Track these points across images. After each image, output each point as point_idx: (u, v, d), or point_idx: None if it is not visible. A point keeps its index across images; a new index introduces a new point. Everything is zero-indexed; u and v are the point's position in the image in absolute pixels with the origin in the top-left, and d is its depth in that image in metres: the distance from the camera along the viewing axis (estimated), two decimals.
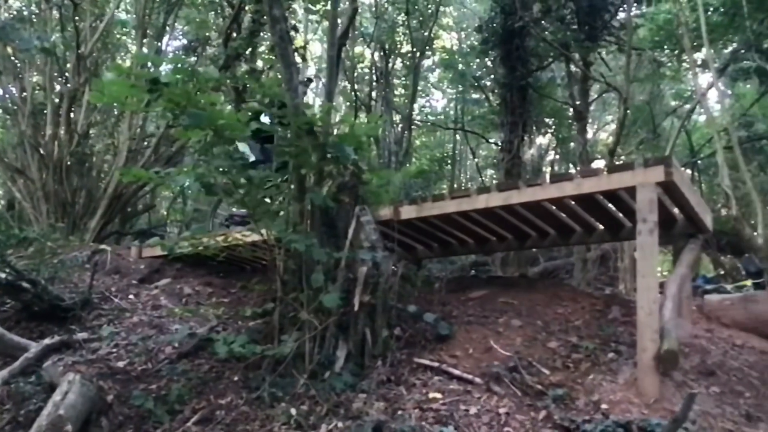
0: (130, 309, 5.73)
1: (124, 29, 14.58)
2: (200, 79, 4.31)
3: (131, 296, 6.14)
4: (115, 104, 5.60)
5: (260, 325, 4.84)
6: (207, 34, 14.52)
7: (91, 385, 3.89)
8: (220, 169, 4.50)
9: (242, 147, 6.96)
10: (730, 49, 13.71)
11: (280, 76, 5.24)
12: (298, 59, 11.43)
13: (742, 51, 12.50)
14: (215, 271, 7.28)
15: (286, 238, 4.30)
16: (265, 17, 8.79)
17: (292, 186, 4.75)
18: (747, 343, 5.13)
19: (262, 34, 11.84)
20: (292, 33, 11.73)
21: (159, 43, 12.89)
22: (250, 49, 11.87)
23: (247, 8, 11.88)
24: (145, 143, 11.94)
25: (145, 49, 11.57)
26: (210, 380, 4.28)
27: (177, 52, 15.02)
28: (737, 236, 10.49)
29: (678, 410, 3.25)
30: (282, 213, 4.96)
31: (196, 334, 4.96)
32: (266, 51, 12.40)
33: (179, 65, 4.41)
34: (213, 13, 14.74)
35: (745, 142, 13.65)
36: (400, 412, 3.72)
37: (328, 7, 6.81)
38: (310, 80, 8.51)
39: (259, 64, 12.57)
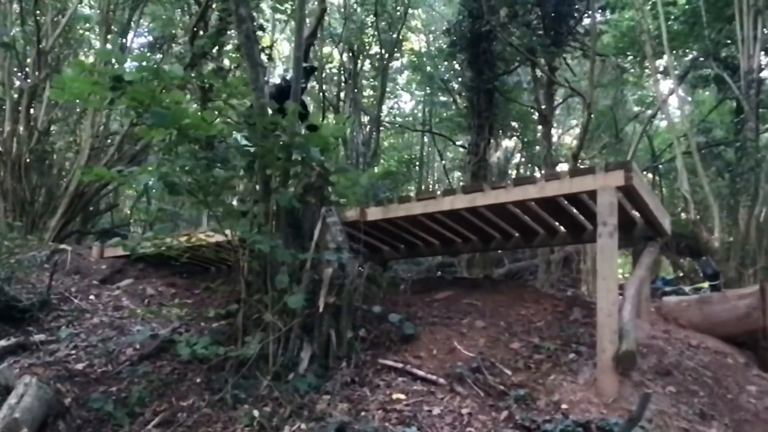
0: (91, 310, 5.62)
1: (87, 25, 14.30)
2: (165, 77, 4.25)
3: (92, 297, 6.03)
4: (77, 101, 5.51)
5: (224, 326, 4.80)
6: (173, 31, 14.35)
7: (48, 387, 3.82)
8: (186, 168, 4.45)
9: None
10: (690, 57, 14.08)
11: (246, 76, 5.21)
12: (264, 59, 11.38)
13: (702, 59, 12.85)
14: (179, 271, 7.19)
15: (250, 239, 4.27)
16: (232, 16, 8.72)
17: (258, 186, 4.72)
18: (702, 344, 5.26)
19: (229, 32, 11.73)
20: (259, 32, 11.64)
21: (123, 40, 12.68)
22: (216, 48, 11.74)
23: (214, 6, 11.76)
24: (109, 141, 11.74)
25: (108, 46, 11.37)
26: (172, 382, 4.23)
27: (142, 50, 14.79)
28: (695, 239, 10.76)
29: (634, 410, 3.33)
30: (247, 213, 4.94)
31: (158, 335, 4.90)
32: (233, 50, 12.27)
33: (143, 63, 4.36)
34: (179, 10, 14.56)
35: (704, 148, 14.02)
36: (363, 413, 3.73)
37: (296, 7, 6.80)
38: (314, 68, 8.35)
39: (226, 63, 12.43)
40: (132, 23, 12.81)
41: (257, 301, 4.42)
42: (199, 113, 4.65)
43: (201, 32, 11.66)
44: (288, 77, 6.94)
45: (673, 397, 4.12)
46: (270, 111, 6.51)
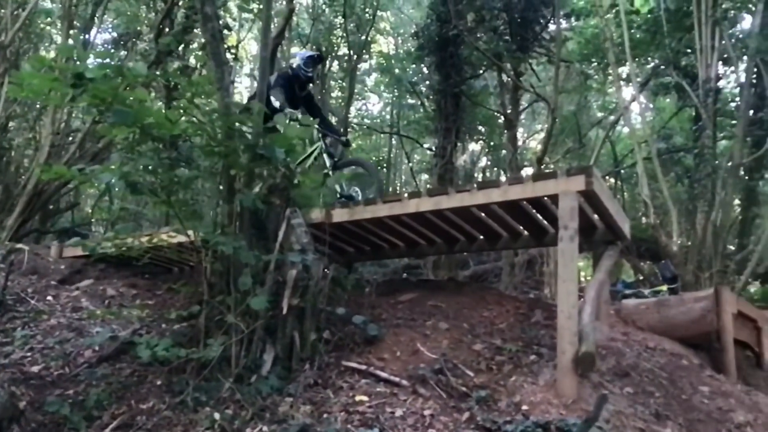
0: (48, 311, 5.49)
1: (49, 19, 13.98)
2: (128, 75, 4.18)
3: (49, 298, 5.90)
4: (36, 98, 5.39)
5: (186, 328, 4.75)
6: (138, 28, 14.12)
7: (2, 390, 3.72)
8: (148, 168, 4.39)
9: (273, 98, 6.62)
10: (651, 65, 14.41)
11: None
12: (230, 58, 11.28)
13: (663, 67, 13.18)
14: (141, 272, 7.07)
15: (213, 240, 4.24)
16: (198, 14, 8.64)
17: (221, 187, 4.68)
18: (659, 346, 5.40)
19: (195, 30, 11.61)
20: (225, 31, 11.54)
21: (86, 36, 12.43)
22: (182, 46, 11.60)
23: (180, 3, 11.63)
24: (70, 138, 11.50)
25: (70, 41, 11.13)
26: (131, 385, 4.16)
27: (106, 46, 14.53)
28: (655, 243, 11.03)
29: (591, 410, 3.39)
30: (213, 214, 4.90)
31: (118, 337, 4.81)
32: (198, 48, 12.14)
33: (105, 60, 4.28)
34: (145, 6, 14.34)
35: (664, 154, 14.38)
36: (326, 415, 3.73)
37: (263, 6, 6.69)
38: (322, 57, 8.09)
39: (192, 61, 12.30)
40: (95, 19, 12.53)
41: (220, 303, 4.37)
42: (164, 112, 4.59)
43: (167, 29, 11.51)
44: (294, 65, 6.84)
45: (631, 398, 4.21)
46: (278, 103, 6.33)
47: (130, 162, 4.38)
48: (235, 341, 4.21)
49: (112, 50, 13.81)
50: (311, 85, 7.25)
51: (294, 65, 6.89)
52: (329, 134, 6.73)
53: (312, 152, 6.52)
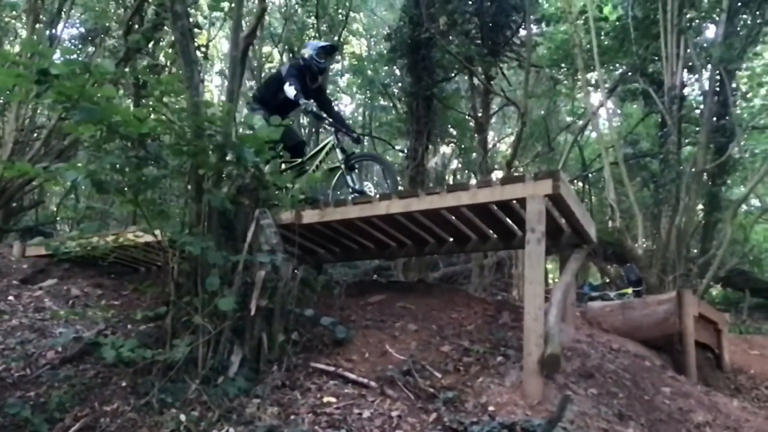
0: (9, 311, 5.38)
1: (14, 12, 13.67)
2: (95, 72, 4.12)
3: (11, 298, 5.78)
4: None
5: (152, 329, 4.70)
6: (107, 24, 13.87)
7: None
8: (116, 166, 4.33)
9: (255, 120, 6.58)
10: (619, 71, 14.67)
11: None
12: (200, 57, 11.16)
13: (630, 74, 13.41)
14: (106, 272, 6.97)
15: (180, 240, 4.19)
16: (167, 11, 8.53)
17: (189, 186, 4.64)
18: (623, 347, 5.50)
19: (165, 28, 11.46)
20: (195, 30, 11.42)
21: (53, 31, 12.17)
22: (152, 44, 11.44)
23: (150, 0, 11.47)
24: (35, 135, 11.26)
25: (36, 36, 10.90)
26: (95, 386, 4.10)
27: (73, 41, 14.26)
28: (621, 246, 11.22)
29: (554, 411, 3.45)
30: (179, 214, 4.84)
31: (82, 337, 4.74)
32: (168, 46, 11.99)
33: (72, 56, 4.21)
34: (114, 2, 14.10)
35: (631, 159, 14.64)
36: (293, 417, 3.72)
37: (234, 5, 6.59)
38: (335, 48, 7.55)
39: (162, 59, 12.14)
40: (62, 13, 12.29)
41: (187, 304, 4.33)
42: (132, 110, 4.53)
43: (136, 26, 11.34)
44: (306, 56, 6.60)
45: (595, 399, 4.29)
46: (294, 93, 6.15)
47: (97, 160, 4.31)
48: (202, 342, 4.18)
49: (80, 46, 13.55)
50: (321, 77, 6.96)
51: (306, 56, 6.67)
52: (340, 129, 6.53)
53: (323, 147, 6.42)
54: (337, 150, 6.32)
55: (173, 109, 4.69)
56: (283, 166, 6.64)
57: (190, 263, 4.41)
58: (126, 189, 4.42)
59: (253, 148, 4.47)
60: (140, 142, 4.96)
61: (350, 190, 6.13)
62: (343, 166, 6.24)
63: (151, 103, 4.76)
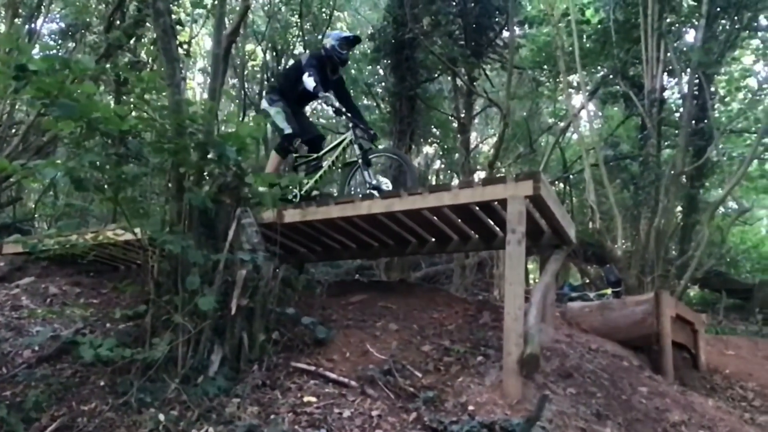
0: None
1: None
2: (74, 68, 4.08)
3: None
4: None
5: (131, 328, 4.66)
6: (87, 19, 13.71)
7: None
8: (96, 164, 4.29)
9: (273, 111, 6.20)
10: (600, 74, 14.81)
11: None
12: (182, 54, 11.07)
13: (611, 76, 13.56)
14: (85, 270, 6.90)
15: (160, 239, 4.17)
16: (149, 8, 8.43)
17: (170, 184, 4.61)
18: (601, 348, 5.56)
19: (147, 24, 11.36)
20: (178, 27, 11.32)
21: (32, 25, 12.02)
22: (133, 40, 11.32)
23: None
24: (13, 131, 11.10)
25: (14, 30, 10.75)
26: (72, 386, 4.06)
27: (53, 36, 14.07)
28: (601, 247, 11.33)
29: (532, 410, 3.48)
30: (159, 212, 4.81)
31: (59, 336, 4.68)
32: (150, 43, 11.87)
33: (50, 52, 4.17)
34: None
35: (611, 161, 14.78)
36: (273, 416, 3.71)
37: (216, 3, 6.51)
38: (358, 39, 6.99)
39: (143, 56, 12.02)
40: (42, 7, 12.14)
41: (167, 302, 4.30)
42: (112, 107, 4.49)
43: (118, 22, 11.22)
44: (328, 46, 6.39)
45: (573, 398, 4.33)
46: (313, 84, 5.95)
47: (76, 157, 4.26)
48: (182, 341, 4.15)
49: (60, 41, 13.39)
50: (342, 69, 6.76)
51: (327, 46, 6.45)
52: (358, 125, 6.25)
53: (341, 142, 6.28)
54: (355, 145, 6.14)
55: (154, 106, 4.66)
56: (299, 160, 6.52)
57: (170, 262, 4.38)
58: (106, 186, 4.38)
59: (235, 146, 4.46)
60: (121, 139, 4.92)
61: (367, 185, 5.95)
62: (360, 161, 6.08)
63: (132, 100, 4.72)
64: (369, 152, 6.20)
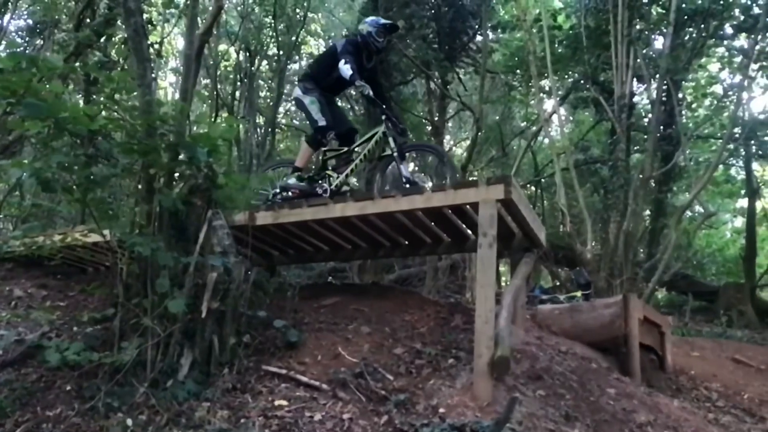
0: None
1: None
2: (42, 66, 4.01)
3: None
4: None
5: (99, 331, 4.58)
6: (56, 16, 13.46)
7: None
8: (63, 164, 4.21)
9: (308, 101, 5.97)
10: (571, 79, 15.02)
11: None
12: (154, 54, 10.94)
13: (582, 82, 13.75)
14: (52, 272, 6.76)
15: (130, 241, 4.11)
16: (120, 7, 8.30)
17: (140, 186, 4.55)
18: (571, 350, 5.63)
19: (118, 23, 11.19)
20: (149, 27, 11.18)
21: None
22: (104, 39, 11.15)
23: None
24: None
25: None
26: (38, 390, 3.98)
27: (20, 34, 13.80)
28: (571, 250, 11.48)
29: (501, 412, 3.51)
30: (128, 213, 4.75)
31: (24, 340, 4.58)
32: (121, 42, 11.70)
33: (17, 50, 4.09)
34: None
35: (582, 165, 14.98)
36: (243, 420, 3.69)
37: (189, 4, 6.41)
38: (396, 27, 6.62)
39: (114, 55, 11.83)
40: (9, 4, 11.88)
41: (136, 305, 4.25)
42: (81, 107, 4.43)
43: (88, 20, 11.04)
44: (364, 32, 6.05)
45: (542, 400, 4.38)
46: (350, 72, 5.68)
47: (43, 157, 4.19)
48: (152, 345, 4.10)
49: (27, 39, 13.13)
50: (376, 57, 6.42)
51: (364, 32, 6.10)
52: (390, 117, 5.95)
53: (373, 135, 5.95)
54: (390, 138, 5.84)
55: (125, 106, 4.60)
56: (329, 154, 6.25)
57: (139, 264, 4.33)
58: (74, 187, 4.31)
59: (206, 147, 4.42)
60: (90, 139, 4.85)
61: (404, 179, 5.67)
62: (395, 155, 5.80)
63: (101, 100, 4.65)
64: (405, 146, 5.98)
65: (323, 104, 6.05)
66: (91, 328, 4.71)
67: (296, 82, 6.54)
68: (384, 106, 6.00)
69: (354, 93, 16.92)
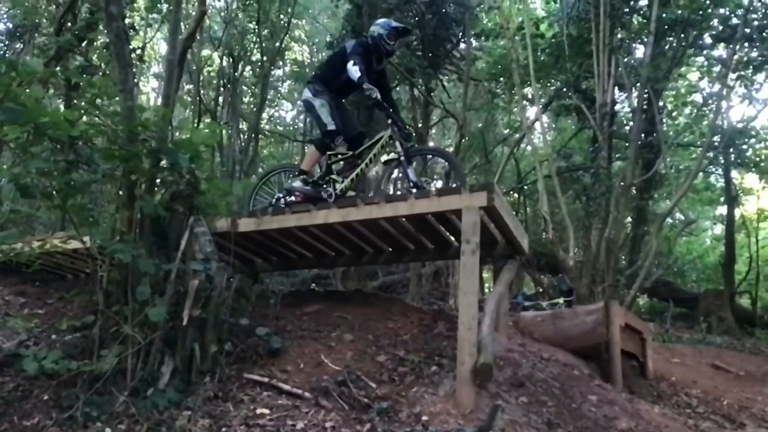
0: None
1: None
2: (21, 70, 3.96)
3: None
4: None
5: (78, 339, 4.52)
6: (37, 20, 13.33)
7: None
8: (43, 170, 4.17)
9: (318, 104, 5.84)
10: (554, 87, 15.14)
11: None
12: (136, 59, 10.85)
13: (564, 90, 13.86)
14: (30, 279, 6.66)
15: (110, 248, 4.07)
16: (101, 11, 8.23)
17: (121, 192, 4.51)
18: (553, 357, 5.65)
19: (100, 27, 11.10)
20: (131, 32, 11.09)
21: None
22: (85, 43, 11.04)
23: None
24: None
25: None
26: (15, 400, 3.91)
27: (0, 37, 13.63)
28: (554, 257, 11.54)
29: (484, 420, 3.51)
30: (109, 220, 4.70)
31: (1, 348, 4.51)
32: (102, 47, 11.60)
33: None
34: None
35: (564, 172, 15.09)
36: (225, 429, 3.66)
37: (172, 8, 6.37)
38: (408, 30, 6.48)
39: (96, 60, 11.72)
40: None
41: (116, 313, 4.20)
42: (62, 112, 4.38)
43: (69, 24, 10.94)
44: (375, 34, 5.91)
45: (525, 407, 4.39)
46: (357, 74, 5.56)
47: (23, 163, 4.14)
48: (132, 353, 4.06)
49: (7, 42, 12.97)
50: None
51: (375, 34, 5.96)
52: (396, 122, 5.83)
53: (379, 139, 5.84)
54: (397, 142, 5.71)
55: (106, 112, 4.56)
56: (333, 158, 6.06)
57: (120, 271, 4.28)
58: (54, 193, 4.26)
59: (188, 153, 4.39)
60: (70, 145, 4.80)
61: (411, 184, 5.53)
62: (402, 158, 5.66)
63: (82, 105, 4.61)
64: (414, 150, 5.90)
65: (333, 107, 5.95)
66: (70, 336, 4.66)
67: (306, 84, 6.36)
68: (391, 110, 5.90)
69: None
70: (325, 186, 5.83)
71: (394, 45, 6.07)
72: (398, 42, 6.24)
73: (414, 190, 5.24)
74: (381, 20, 6.22)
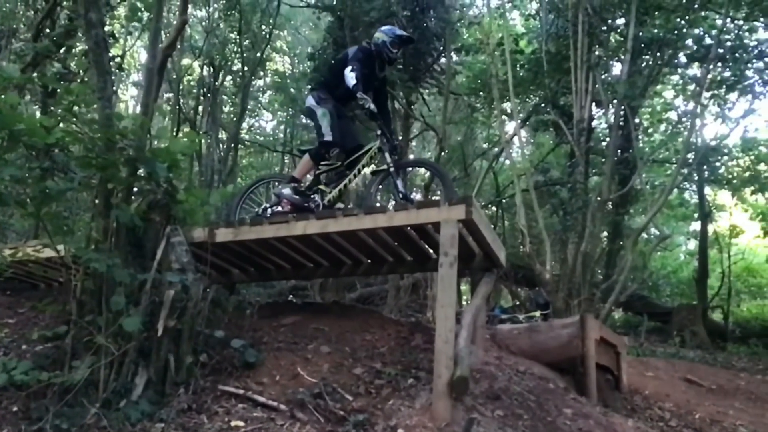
0: None
1: None
2: None
3: None
4: None
5: (49, 349, 4.45)
6: (14, 25, 13.17)
7: None
8: (16, 178, 4.10)
9: (320, 113, 5.76)
10: (532, 102, 15.32)
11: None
12: (115, 67, 10.76)
13: (542, 105, 14.03)
14: (1, 288, 6.54)
15: (85, 257, 4.02)
16: (80, 18, 8.14)
17: (97, 200, 4.46)
18: (529, 370, 5.68)
19: (79, 34, 11.00)
20: (111, 40, 11.01)
21: None
22: (63, 50, 10.93)
23: (64, 4, 11.00)
24: None
25: None
26: None
27: None
28: (531, 271, 11.62)
29: None
30: (86, 229, 4.64)
31: None
32: (81, 54, 11.49)
33: None
34: (23, 3, 13.43)
35: (542, 186, 15.24)
36: None
37: (152, 17, 6.32)
38: (411, 39, 6.43)
39: (74, 67, 11.61)
40: None
41: (89, 323, 4.13)
42: (38, 118, 4.33)
43: (47, 30, 10.83)
44: (379, 41, 5.89)
45: (501, 421, 4.39)
46: (353, 81, 5.50)
47: None
48: (105, 364, 3.99)
49: None
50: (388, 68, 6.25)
51: (378, 41, 5.92)
52: (386, 133, 5.81)
53: (368, 150, 5.84)
54: (386, 153, 5.72)
55: (83, 119, 4.51)
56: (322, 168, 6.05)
57: (94, 281, 4.22)
58: (28, 201, 4.20)
59: (166, 162, 4.37)
60: (46, 152, 4.74)
61: (400, 195, 5.60)
62: (392, 169, 5.69)
63: (59, 112, 4.56)
64: (403, 162, 5.84)
65: (334, 117, 5.85)
66: (41, 346, 4.58)
67: (309, 91, 6.30)
68: (382, 121, 5.85)
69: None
70: (313, 196, 5.81)
71: (397, 53, 6.05)
72: (401, 50, 6.22)
73: (404, 202, 5.23)
74: (385, 27, 6.20)
